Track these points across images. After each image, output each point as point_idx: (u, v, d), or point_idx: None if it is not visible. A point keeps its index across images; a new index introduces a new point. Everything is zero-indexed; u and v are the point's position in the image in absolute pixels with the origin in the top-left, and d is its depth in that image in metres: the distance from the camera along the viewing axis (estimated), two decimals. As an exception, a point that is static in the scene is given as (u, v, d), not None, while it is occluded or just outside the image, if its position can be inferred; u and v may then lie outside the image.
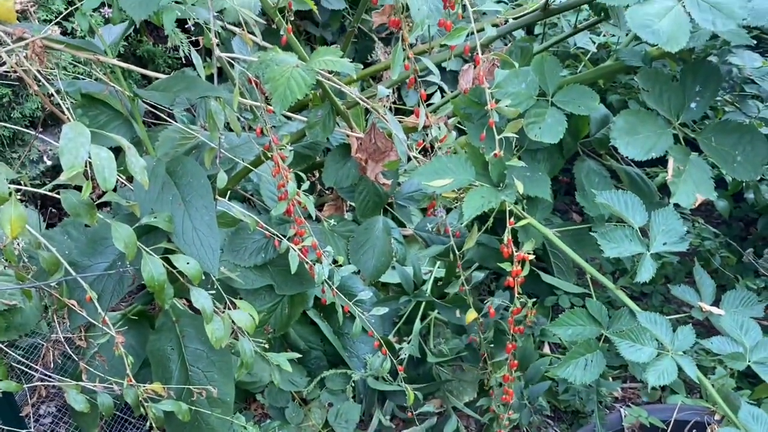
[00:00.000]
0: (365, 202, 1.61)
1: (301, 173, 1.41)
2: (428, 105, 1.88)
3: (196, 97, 1.32)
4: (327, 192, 2.11)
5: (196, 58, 1.16)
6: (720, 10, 0.96)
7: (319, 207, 2.05)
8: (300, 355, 1.45)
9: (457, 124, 1.63)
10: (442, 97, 1.76)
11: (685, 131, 1.16)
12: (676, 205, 1.08)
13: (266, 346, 1.36)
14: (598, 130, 1.39)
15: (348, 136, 1.56)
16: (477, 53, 1.02)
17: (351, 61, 1.20)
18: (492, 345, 1.62)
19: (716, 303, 1.12)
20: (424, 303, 1.86)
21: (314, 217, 1.43)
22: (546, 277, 1.60)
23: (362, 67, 1.76)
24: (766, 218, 1.93)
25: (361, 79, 1.95)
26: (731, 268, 1.94)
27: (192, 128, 1.34)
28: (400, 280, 1.84)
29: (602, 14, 1.37)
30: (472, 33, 1.05)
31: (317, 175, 2.04)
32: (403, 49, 1.01)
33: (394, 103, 2.34)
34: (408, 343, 1.79)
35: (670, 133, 1.13)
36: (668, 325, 1.02)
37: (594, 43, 1.64)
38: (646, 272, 1.02)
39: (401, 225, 1.90)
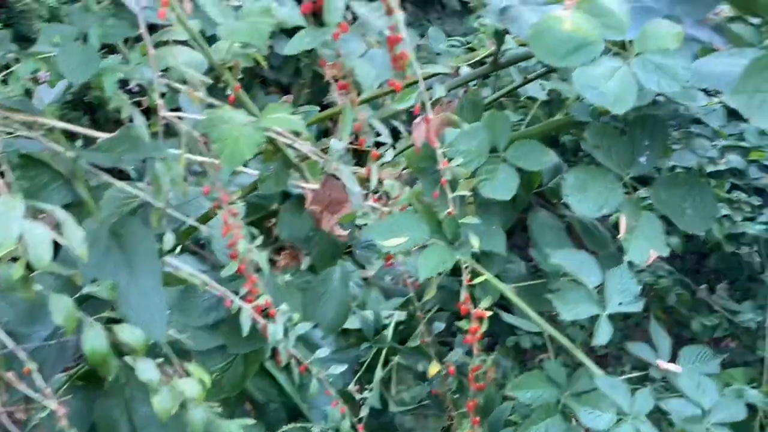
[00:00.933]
0: (321, 252, 1.58)
1: (253, 228, 1.37)
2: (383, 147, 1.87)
3: (141, 158, 1.28)
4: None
5: (139, 119, 1.12)
6: (664, 71, 0.97)
7: (276, 251, 2.01)
8: (254, 421, 1.39)
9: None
10: (396, 141, 1.76)
11: (635, 185, 1.17)
12: (630, 263, 1.09)
13: (219, 410, 1.31)
14: (550, 180, 1.40)
15: (303, 188, 1.54)
16: (426, 115, 1.01)
17: (306, 103, 1.18)
18: (456, 396, 1.60)
19: (674, 357, 1.13)
20: (385, 349, 1.83)
21: (268, 272, 1.39)
22: (507, 317, 1.59)
23: (318, 109, 1.74)
24: (717, 255, 1.98)
25: (316, 122, 1.94)
26: (685, 304, 1.98)
27: (138, 186, 1.29)
28: (360, 326, 1.81)
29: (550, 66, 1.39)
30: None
31: (273, 221, 2.00)
32: (353, 116, 0.99)
33: (351, 143, 2.32)
34: (369, 391, 1.76)
35: (620, 188, 1.14)
36: (627, 389, 1.01)
37: (544, 89, 1.67)
38: (603, 335, 1.01)
39: (361, 266, 1.87)
